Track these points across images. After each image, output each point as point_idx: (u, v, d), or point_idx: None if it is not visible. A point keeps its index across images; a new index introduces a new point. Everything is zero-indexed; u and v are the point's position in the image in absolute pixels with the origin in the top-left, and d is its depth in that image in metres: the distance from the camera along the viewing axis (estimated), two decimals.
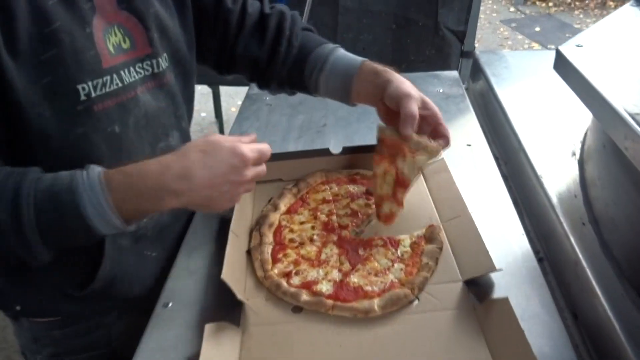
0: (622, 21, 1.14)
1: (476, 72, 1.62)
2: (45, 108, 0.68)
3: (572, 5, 6.85)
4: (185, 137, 1.01)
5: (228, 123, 3.68)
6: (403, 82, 0.93)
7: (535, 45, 5.75)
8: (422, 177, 1.15)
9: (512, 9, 6.86)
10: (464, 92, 1.54)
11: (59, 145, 0.72)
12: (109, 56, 0.76)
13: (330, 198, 1.09)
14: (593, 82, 0.84)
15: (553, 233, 0.97)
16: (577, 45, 1.00)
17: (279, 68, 1.03)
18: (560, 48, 1.01)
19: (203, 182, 0.72)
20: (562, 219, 0.95)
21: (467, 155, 1.24)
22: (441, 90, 1.54)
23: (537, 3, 6.94)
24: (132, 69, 0.80)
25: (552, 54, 1.42)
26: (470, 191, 1.05)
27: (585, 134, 1.15)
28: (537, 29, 6.18)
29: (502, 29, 6.18)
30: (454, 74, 1.66)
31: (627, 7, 1.19)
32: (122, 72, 0.78)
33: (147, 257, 0.96)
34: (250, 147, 0.78)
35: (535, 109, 1.32)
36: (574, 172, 1.06)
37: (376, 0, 2.40)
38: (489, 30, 6.08)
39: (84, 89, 0.72)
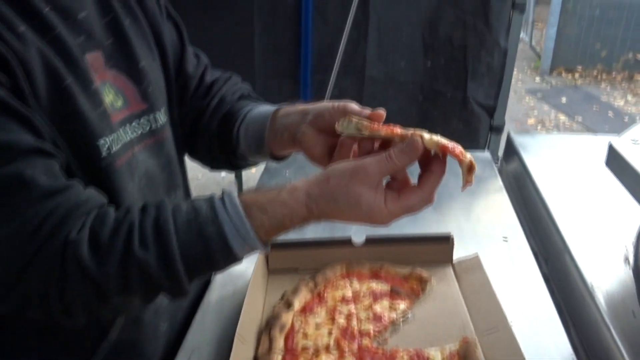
0: None
1: (510, 154, 1.52)
2: (74, 164, 0.67)
3: (599, 78, 6.80)
4: (188, 195, 0.98)
5: (247, 183, 3.62)
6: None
7: (562, 117, 5.67)
8: (453, 275, 1.03)
9: (537, 79, 6.85)
10: (497, 173, 1.44)
11: None
12: (111, 114, 0.74)
13: (351, 296, 0.97)
14: None
15: (607, 356, 0.84)
16: (633, 141, 0.90)
17: (205, 126, 0.94)
18: (613, 143, 0.90)
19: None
20: (619, 342, 0.82)
21: (503, 250, 1.12)
22: None
23: (563, 74, 6.92)
24: (128, 127, 0.77)
25: (594, 139, 1.32)
26: (507, 294, 0.93)
27: (638, 238, 1.02)
28: (564, 100, 6.12)
29: (527, 99, 6.14)
30: (486, 155, 1.56)
31: None
32: (121, 130, 0.75)
33: (157, 330, 0.91)
34: (395, 209, 0.68)
35: (578, 200, 1.21)
36: (629, 282, 0.93)
37: (403, 70, 2.37)
38: (514, 100, 6.03)
39: (104, 143, 0.70)
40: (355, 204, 0.66)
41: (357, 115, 0.75)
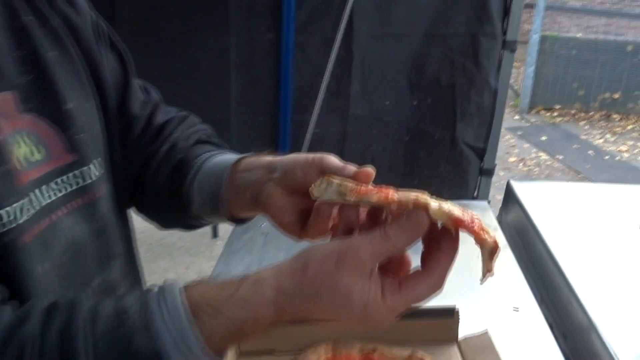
0: None
1: (511, 203, 1.38)
2: None
3: (577, 116, 6.85)
4: (132, 263, 0.78)
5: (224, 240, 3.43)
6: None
7: (543, 155, 5.65)
8: (459, 356, 0.87)
9: (516, 117, 6.87)
10: (498, 227, 1.29)
11: None
12: (21, 172, 0.57)
13: None
14: None
15: None
16: None
17: (152, 177, 0.76)
18: None
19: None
20: None
21: (515, 323, 0.97)
22: None
23: (542, 112, 6.96)
24: (47, 187, 0.61)
25: (598, 187, 1.19)
26: None
27: None
28: (544, 138, 6.12)
29: (508, 137, 6.11)
30: (483, 204, 1.43)
31: None
32: (37, 192, 0.59)
33: None
34: (397, 304, 0.51)
35: (597, 263, 1.06)
36: None
37: (389, 109, 2.25)
38: None
39: (4, 215, 0.53)
40: (344, 301, 0.49)
41: (338, 174, 0.58)
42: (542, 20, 6.65)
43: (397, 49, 2.14)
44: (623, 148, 5.90)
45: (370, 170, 0.57)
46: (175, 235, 3.71)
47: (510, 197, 1.39)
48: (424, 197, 0.51)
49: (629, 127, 6.58)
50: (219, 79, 2.22)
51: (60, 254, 0.62)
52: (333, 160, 0.60)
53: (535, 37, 6.56)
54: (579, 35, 7.07)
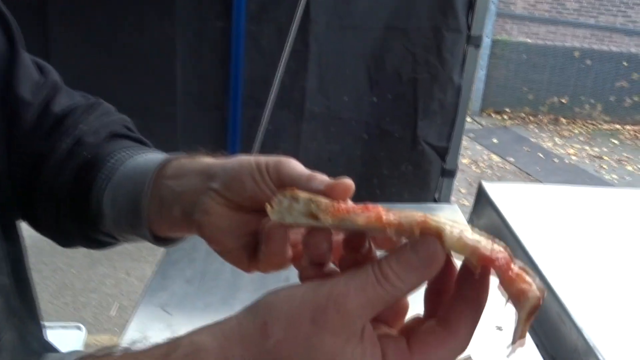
0: None
1: (482, 206, 1.27)
2: None
3: (527, 120, 6.99)
4: (23, 294, 0.61)
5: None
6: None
7: (495, 157, 5.70)
8: None
9: (468, 119, 6.93)
10: None
11: None
12: None
13: None
14: None
15: None
16: None
17: (49, 180, 0.58)
18: None
19: None
20: None
21: (499, 344, 0.84)
22: None
23: (493, 115, 7.05)
24: None
25: (583, 191, 1.10)
26: None
27: None
28: (495, 140, 6.19)
29: None
30: (453, 207, 1.31)
31: None
32: None
33: None
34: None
35: (586, 274, 0.96)
36: None
37: (347, 106, 2.12)
38: None
39: None
40: None
41: (302, 186, 0.42)
42: (493, 25, 6.75)
43: (357, 42, 2.02)
44: (571, 151, 6.03)
45: (348, 182, 0.41)
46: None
47: (482, 199, 1.28)
48: (434, 219, 0.35)
49: (576, 131, 6.75)
50: (163, 70, 2.05)
51: None
52: (294, 166, 0.45)
53: (486, 41, 6.64)
54: (528, 40, 7.21)
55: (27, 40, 0.64)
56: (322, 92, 2.08)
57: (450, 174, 2.12)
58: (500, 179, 5.17)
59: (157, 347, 0.35)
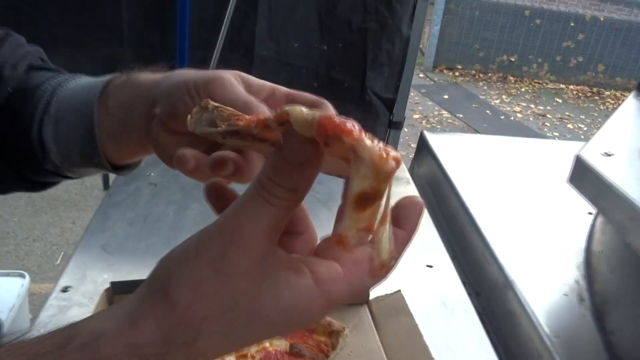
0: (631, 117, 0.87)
1: (423, 155, 1.31)
2: None
3: (477, 77, 7.10)
4: None
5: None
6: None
7: (445, 113, 5.79)
8: (370, 320, 0.78)
9: (421, 75, 6.98)
10: (411, 181, 1.22)
11: None
12: None
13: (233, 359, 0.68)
14: None
15: None
16: (606, 154, 0.69)
17: None
18: (582, 155, 0.69)
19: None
20: None
21: (428, 281, 0.89)
22: None
23: (445, 71, 7.12)
24: None
25: (515, 141, 1.15)
26: (437, 339, 0.70)
27: (588, 259, 0.84)
28: (446, 96, 6.28)
29: (412, 94, 6.20)
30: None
31: (630, 99, 0.93)
32: None
33: None
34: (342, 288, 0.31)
35: (511, 217, 1.02)
36: (583, 311, 0.74)
37: (297, 53, 2.09)
38: None
39: None
40: (264, 319, 0.30)
41: (227, 101, 0.41)
42: None
43: None
44: (517, 109, 6.20)
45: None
46: (60, 188, 3.36)
47: (422, 149, 1.31)
48: (289, 106, 0.30)
49: (523, 90, 6.93)
50: (108, 9, 1.95)
51: None
52: (228, 88, 0.43)
53: None
54: None
55: None
56: (272, 37, 2.04)
57: (397, 125, 2.16)
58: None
59: (51, 337, 0.29)
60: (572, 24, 6.86)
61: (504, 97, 6.55)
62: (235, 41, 1.98)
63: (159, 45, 2.04)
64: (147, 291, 0.31)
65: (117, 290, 0.73)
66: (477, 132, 5.35)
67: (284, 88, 0.48)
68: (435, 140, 1.29)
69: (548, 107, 6.39)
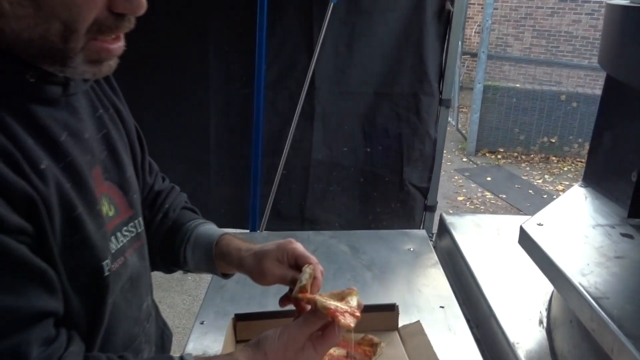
0: (574, 200, 1.28)
1: (442, 232, 1.73)
2: (68, 288, 0.69)
3: (519, 159, 7.43)
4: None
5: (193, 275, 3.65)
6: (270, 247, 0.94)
7: (488, 194, 6.11)
8: (399, 339, 1.19)
9: (464, 159, 7.37)
10: (432, 249, 1.63)
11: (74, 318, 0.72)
12: (106, 223, 0.76)
13: None
14: (557, 263, 0.93)
15: None
16: (538, 224, 1.12)
17: (151, 236, 0.97)
18: (523, 226, 1.12)
19: None
20: None
21: (440, 317, 1.29)
22: (412, 249, 1.63)
23: (487, 155, 7.50)
24: (119, 234, 0.81)
25: (512, 219, 1.55)
26: (445, 354, 1.09)
27: (550, 303, 1.23)
28: (488, 178, 6.61)
29: (456, 177, 6.59)
30: (422, 232, 1.76)
31: (576, 188, 1.35)
32: (113, 239, 0.79)
33: None
34: (324, 349, 0.81)
35: (501, 273, 1.41)
36: (544, 341, 1.12)
37: (346, 156, 2.60)
38: (445, 178, 6.47)
39: (108, 263, 0.74)
40: None
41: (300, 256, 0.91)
42: (484, 72, 7.25)
43: (352, 104, 2.52)
44: (560, 187, 6.45)
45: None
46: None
47: (442, 227, 1.74)
48: (321, 300, 0.80)
49: (565, 169, 7.19)
50: (200, 128, 2.57)
51: (123, 285, 0.81)
52: (299, 247, 0.94)
53: (478, 87, 7.14)
54: (517, 85, 7.71)
55: None
56: (326, 144, 2.57)
57: (431, 208, 2.59)
58: (492, 214, 5.59)
59: (221, 356, 0.82)
60: None
61: (546, 176, 6.83)
62: (296, 148, 2.51)
63: (237, 154, 2.59)
64: (254, 347, 0.78)
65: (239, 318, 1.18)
66: (520, 210, 5.62)
67: (295, 250, 0.93)
68: (451, 220, 1.72)
69: None
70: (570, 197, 1.28)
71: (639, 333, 0.75)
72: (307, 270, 0.87)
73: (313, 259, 0.91)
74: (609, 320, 0.77)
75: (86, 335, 0.73)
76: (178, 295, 3.63)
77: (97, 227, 0.72)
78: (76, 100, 0.75)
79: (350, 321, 0.80)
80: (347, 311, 0.81)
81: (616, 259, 0.95)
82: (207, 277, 1.51)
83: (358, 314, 0.82)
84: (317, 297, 0.81)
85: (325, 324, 0.81)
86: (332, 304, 0.81)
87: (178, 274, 3.85)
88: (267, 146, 2.53)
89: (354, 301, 0.85)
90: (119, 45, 0.68)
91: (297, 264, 0.91)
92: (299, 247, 0.93)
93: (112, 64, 0.69)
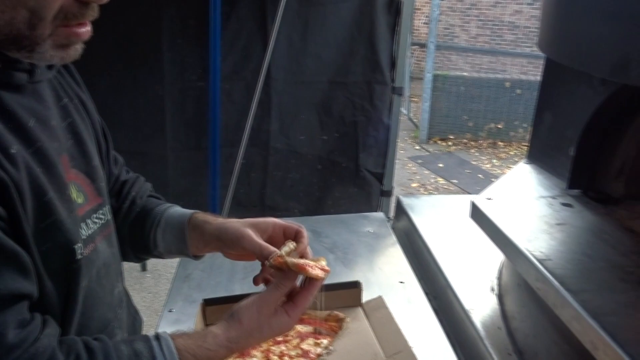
0: (520, 176, 1.38)
1: (400, 213, 1.81)
2: (42, 272, 0.70)
3: (468, 145, 7.68)
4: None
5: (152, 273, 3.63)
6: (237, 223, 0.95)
7: (440, 180, 6.30)
8: (363, 314, 1.25)
9: (417, 147, 7.56)
10: (391, 231, 1.71)
11: (46, 302, 0.73)
12: (76, 209, 0.77)
13: (281, 339, 1.15)
14: (506, 232, 1.02)
15: None
16: (488, 198, 1.20)
17: (119, 225, 0.98)
18: (474, 200, 1.20)
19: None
20: (491, 350, 1.08)
21: (401, 292, 1.36)
22: (371, 230, 1.70)
23: (439, 142, 7.72)
24: (89, 221, 0.81)
25: (464, 198, 1.64)
26: (407, 325, 1.16)
27: (500, 271, 1.32)
28: (440, 165, 6.81)
29: (410, 165, 6.76)
30: (381, 215, 1.84)
31: (521, 165, 1.44)
32: (84, 226, 0.79)
33: None
34: (296, 313, 0.84)
35: (455, 248, 1.50)
36: (496, 306, 1.21)
37: (303, 143, 2.65)
38: (399, 166, 6.61)
39: (79, 248, 0.75)
40: (269, 331, 0.82)
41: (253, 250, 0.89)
42: (433, 61, 7.43)
43: (308, 94, 2.57)
44: (507, 171, 6.70)
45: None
46: None
47: (400, 209, 1.82)
48: (287, 259, 0.84)
49: (512, 153, 7.48)
50: (155, 121, 2.56)
51: (97, 271, 0.81)
52: (249, 240, 0.90)
53: (428, 76, 7.32)
54: (465, 74, 7.94)
55: None
56: (283, 133, 2.61)
57: (387, 193, 2.67)
58: None
59: (199, 332, 0.81)
60: None
61: (494, 161, 7.09)
62: (254, 138, 2.54)
63: (195, 146, 2.60)
64: (230, 320, 0.81)
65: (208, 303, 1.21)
66: (470, 194, 5.82)
67: (279, 221, 0.95)
68: (408, 202, 1.80)
69: None
70: (516, 173, 1.38)
71: (579, 288, 0.84)
72: (289, 244, 0.90)
73: (301, 226, 0.95)
74: (552, 279, 0.86)
75: (61, 319, 0.74)
76: (137, 293, 3.59)
77: (67, 211, 0.73)
78: (41, 88, 0.76)
79: (319, 272, 0.85)
80: (316, 266, 0.86)
81: (558, 225, 1.04)
82: (166, 274, 1.51)
83: (327, 268, 0.87)
84: (288, 258, 0.85)
85: (296, 291, 0.86)
86: (302, 260, 0.85)
87: (136, 272, 3.82)
88: (225, 137, 2.55)
89: (323, 262, 0.89)
90: (87, 30, 0.70)
91: (285, 234, 0.95)
92: (282, 220, 0.96)
93: (78, 47, 0.71)
